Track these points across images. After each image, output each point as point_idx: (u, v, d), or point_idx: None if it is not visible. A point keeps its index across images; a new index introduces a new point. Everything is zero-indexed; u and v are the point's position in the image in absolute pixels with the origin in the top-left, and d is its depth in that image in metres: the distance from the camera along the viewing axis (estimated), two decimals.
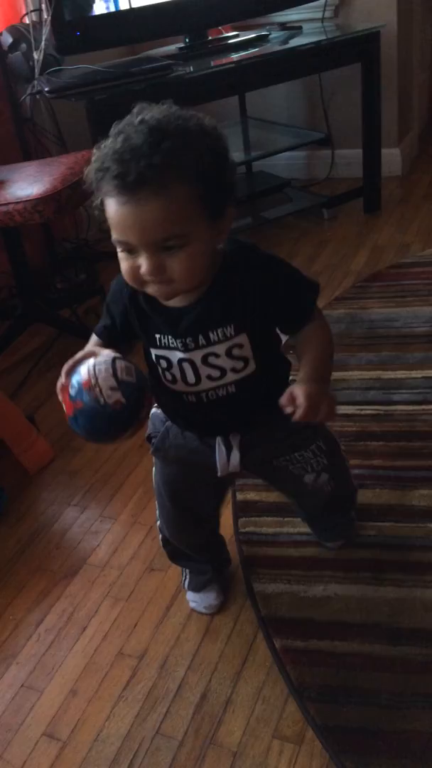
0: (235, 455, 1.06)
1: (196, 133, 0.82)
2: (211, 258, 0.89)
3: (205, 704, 1.13)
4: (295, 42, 2.49)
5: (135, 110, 0.84)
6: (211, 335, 0.94)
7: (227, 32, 2.64)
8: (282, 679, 1.14)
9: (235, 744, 1.07)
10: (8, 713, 1.17)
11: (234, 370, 0.97)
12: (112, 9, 2.28)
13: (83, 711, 1.15)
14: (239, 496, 1.50)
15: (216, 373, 0.97)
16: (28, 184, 1.84)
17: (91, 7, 2.23)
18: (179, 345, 0.95)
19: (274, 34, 2.61)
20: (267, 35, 2.57)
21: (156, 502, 1.21)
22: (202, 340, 0.94)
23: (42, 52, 2.25)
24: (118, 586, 1.36)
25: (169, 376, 0.99)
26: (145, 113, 0.82)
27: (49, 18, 2.15)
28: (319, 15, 2.74)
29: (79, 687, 1.19)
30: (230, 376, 0.97)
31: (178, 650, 1.22)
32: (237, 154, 2.71)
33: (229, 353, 0.95)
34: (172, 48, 2.53)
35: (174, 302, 0.93)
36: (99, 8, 2.24)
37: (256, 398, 1.01)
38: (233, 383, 0.98)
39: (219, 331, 0.93)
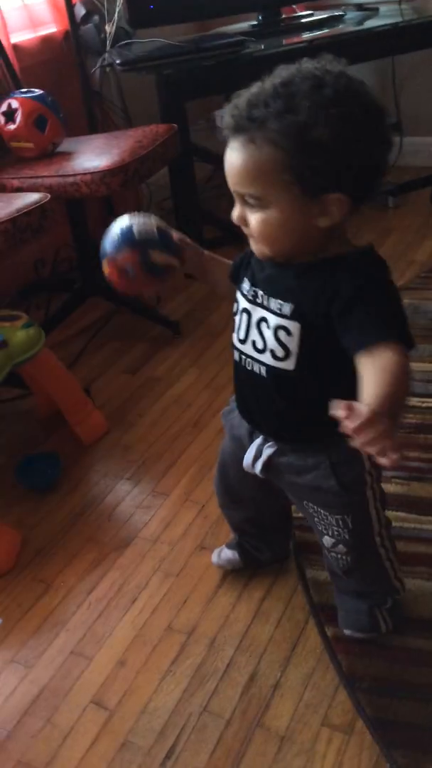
0: (261, 462, 1.02)
1: (324, 101, 0.75)
2: (301, 234, 0.83)
3: (253, 686, 1.13)
4: (370, 23, 2.43)
5: (299, 62, 0.80)
6: (272, 301, 0.89)
7: (301, 11, 2.59)
8: (332, 668, 1.12)
9: (282, 728, 1.06)
10: (57, 678, 1.18)
11: (273, 354, 0.90)
12: None
13: (131, 682, 1.16)
14: None
15: (260, 344, 0.92)
16: (96, 156, 1.84)
17: None
18: (248, 292, 0.94)
19: (349, 15, 2.54)
20: (342, 15, 2.51)
21: None
22: (263, 299, 0.91)
23: (114, 24, 2.24)
24: (168, 562, 1.36)
25: (235, 321, 0.98)
26: (300, 66, 0.79)
27: None
28: None
29: (128, 658, 1.20)
30: (267, 358, 0.91)
31: (227, 630, 1.22)
32: None
33: (276, 332, 0.89)
34: (244, 25, 2.49)
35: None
36: None
37: (287, 401, 0.94)
38: (267, 368, 0.92)
39: (279, 301, 0.88)
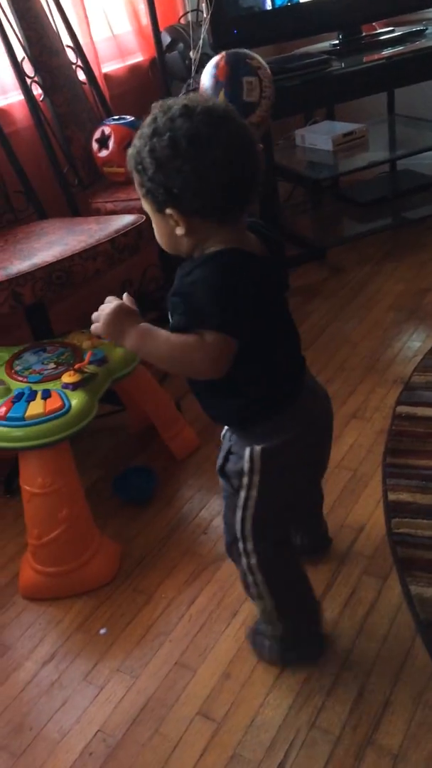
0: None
1: (149, 135, 0.91)
2: (170, 239, 0.97)
3: (362, 703, 1.11)
4: None
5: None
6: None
7: (381, 28, 2.59)
8: None
9: (395, 746, 1.04)
10: (162, 689, 1.19)
11: None
12: (269, 6, 2.31)
13: (237, 694, 1.16)
14: (391, 496, 1.47)
15: None
16: None
17: (248, 5, 2.26)
18: None
19: (430, 29, 2.53)
20: (422, 30, 2.50)
21: None
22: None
23: (199, 51, 2.30)
24: None
25: None
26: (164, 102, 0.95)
27: (208, 17, 2.20)
28: None
29: (232, 670, 1.20)
30: None
31: (331, 645, 1.21)
32: (381, 153, 2.66)
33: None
34: (325, 45, 2.51)
35: None
36: (256, 5, 2.27)
37: (192, 386, 1.06)
38: None
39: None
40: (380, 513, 1.45)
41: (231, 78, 1.29)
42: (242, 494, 1.05)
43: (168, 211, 0.93)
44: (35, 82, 1.94)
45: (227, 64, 1.22)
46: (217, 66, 1.39)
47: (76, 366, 1.44)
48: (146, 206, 0.97)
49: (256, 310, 0.94)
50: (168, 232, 0.96)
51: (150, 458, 1.74)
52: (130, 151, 0.95)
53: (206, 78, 1.26)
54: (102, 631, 1.31)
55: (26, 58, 1.92)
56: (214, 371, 0.96)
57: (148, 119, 0.93)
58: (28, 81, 1.92)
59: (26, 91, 1.92)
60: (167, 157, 0.90)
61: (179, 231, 0.94)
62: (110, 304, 1.01)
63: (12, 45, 1.89)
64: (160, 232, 0.98)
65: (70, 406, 1.36)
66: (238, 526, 1.08)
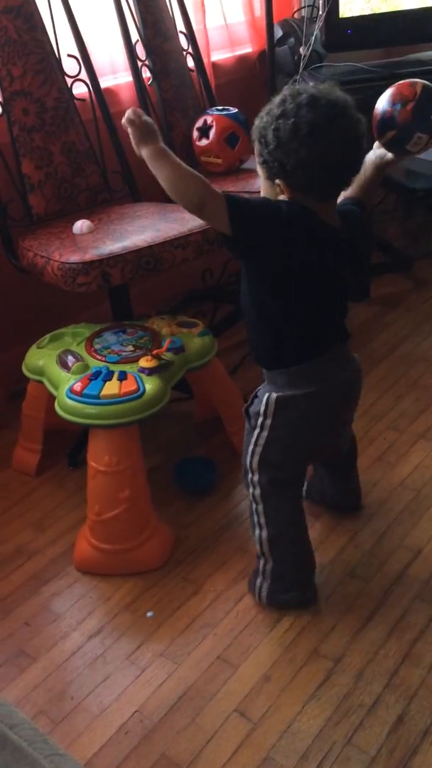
0: None
1: (276, 115, 1.07)
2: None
3: (401, 728, 1.10)
4: None
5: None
6: None
7: None
8: None
9: None
10: (203, 680, 1.21)
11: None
12: (384, 10, 2.26)
13: (275, 698, 1.17)
14: None
15: None
16: None
17: (363, 7, 2.22)
18: None
19: None
20: None
21: None
22: None
23: (310, 47, 2.27)
24: (318, 584, 1.35)
25: None
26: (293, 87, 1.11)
27: (323, 14, 2.18)
28: None
29: (273, 674, 1.21)
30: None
31: (376, 665, 1.20)
32: None
33: None
34: None
35: None
36: (371, 9, 2.23)
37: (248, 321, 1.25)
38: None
39: None
40: None
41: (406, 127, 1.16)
42: (255, 432, 1.24)
43: (277, 181, 1.12)
44: (145, 65, 1.96)
45: (413, 113, 1.10)
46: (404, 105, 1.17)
47: (154, 352, 1.46)
48: (260, 171, 1.15)
49: (285, 248, 1.11)
50: (273, 196, 1.15)
51: (211, 450, 1.75)
52: (257, 123, 1.12)
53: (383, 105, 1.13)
54: (149, 614, 1.34)
55: (140, 40, 1.95)
56: (194, 208, 1.11)
57: (278, 99, 1.10)
58: (139, 64, 1.95)
59: (136, 73, 1.94)
60: (288, 139, 1.07)
61: (282, 197, 1.13)
62: (143, 116, 1.15)
63: (128, 26, 1.91)
64: (266, 193, 1.17)
65: (144, 390, 1.38)
66: (248, 459, 1.26)
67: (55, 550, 1.50)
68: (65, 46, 1.82)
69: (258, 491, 1.27)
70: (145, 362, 1.44)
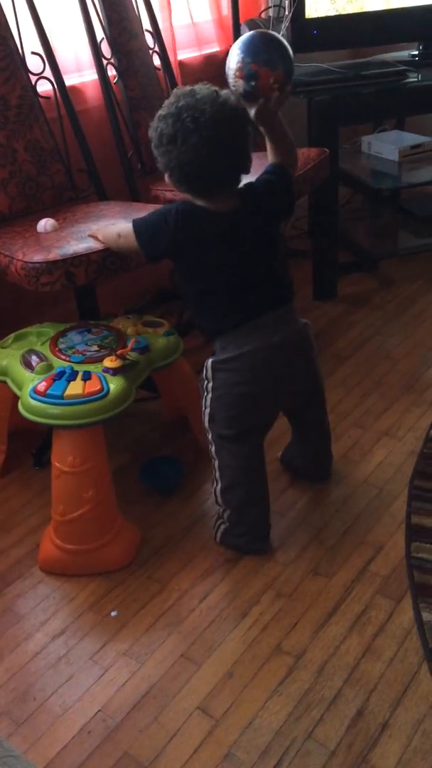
0: None
1: (158, 116, 1.26)
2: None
3: (361, 721, 1.12)
4: None
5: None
6: None
7: None
8: None
9: None
10: (166, 679, 1.22)
11: None
12: (350, 11, 2.28)
13: (238, 695, 1.18)
14: (413, 519, 1.46)
15: None
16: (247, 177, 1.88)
17: (328, 8, 2.24)
18: None
19: None
20: None
21: None
22: None
23: None
24: (281, 582, 1.37)
25: None
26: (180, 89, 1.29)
27: (290, 14, 2.19)
28: None
29: (236, 670, 1.22)
30: None
31: (336, 660, 1.22)
32: None
33: None
34: (403, 54, 2.48)
35: None
36: (336, 10, 2.25)
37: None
38: None
39: None
40: (401, 535, 1.45)
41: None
42: (203, 395, 1.40)
43: (165, 177, 1.30)
44: (111, 63, 1.96)
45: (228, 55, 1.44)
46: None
47: (119, 352, 1.46)
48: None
49: (177, 251, 1.31)
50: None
51: (179, 449, 1.76)
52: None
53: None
54: (113, 613, 1.34)
55: (105, 38, 1.94)
56: (126, 251, 1.44)
57: (166, 102, 1.26)
58: (104, 62, 1.94)
59: (101, 71, 1.94)
60: (155, 145, 1.28)
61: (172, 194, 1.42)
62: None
63: (93, 24, 1.91)
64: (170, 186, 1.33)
65: (108, 390, 1.38)
66: (204, 420, 1.41)
67: (19, 551, 1.50)
68: (29, 43, 1.81)
69: (213, 448, 1.41)
70: (109, 362, 1.44)
